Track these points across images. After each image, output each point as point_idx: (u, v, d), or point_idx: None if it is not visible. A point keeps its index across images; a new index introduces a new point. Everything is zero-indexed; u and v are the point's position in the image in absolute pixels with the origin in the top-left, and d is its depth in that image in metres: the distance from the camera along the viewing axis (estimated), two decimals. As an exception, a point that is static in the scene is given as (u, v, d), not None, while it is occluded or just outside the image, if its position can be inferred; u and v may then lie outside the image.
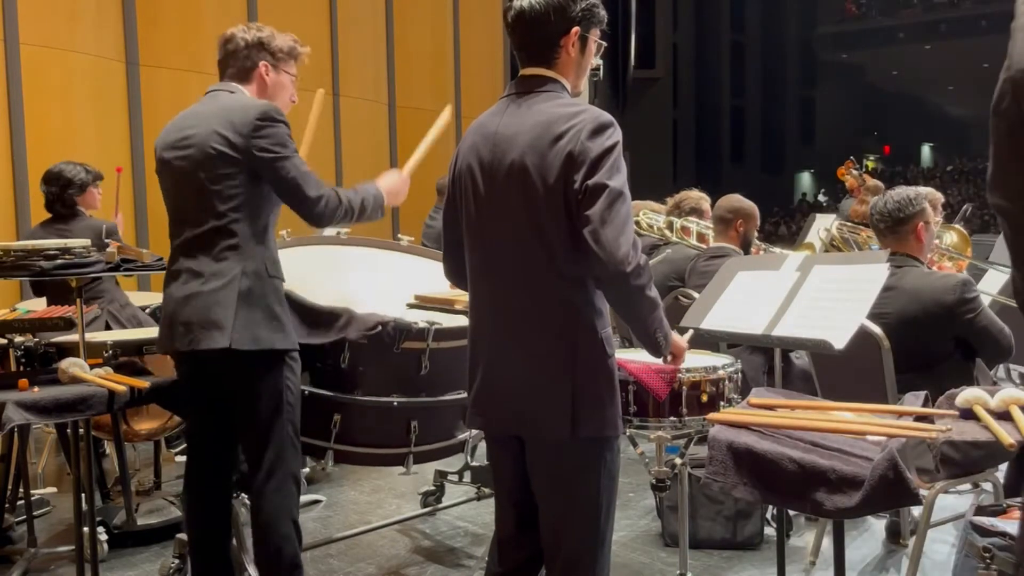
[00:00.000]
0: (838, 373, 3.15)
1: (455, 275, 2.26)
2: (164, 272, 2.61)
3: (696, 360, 2.50)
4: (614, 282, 1.89)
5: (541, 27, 1.99)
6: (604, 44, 2.12)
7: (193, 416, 2.64)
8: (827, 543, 3.11)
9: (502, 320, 2.02)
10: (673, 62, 28.95)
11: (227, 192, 2.43)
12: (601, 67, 2.35)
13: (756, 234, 4.34)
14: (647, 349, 2.05)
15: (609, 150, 1.89)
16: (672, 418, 2.38)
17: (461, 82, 10.83)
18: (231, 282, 2.40)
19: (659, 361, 2.14)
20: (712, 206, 4.69)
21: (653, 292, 1.94)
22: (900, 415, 1.95)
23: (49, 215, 4.28)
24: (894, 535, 3.42)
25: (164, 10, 7.32)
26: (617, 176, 1.88)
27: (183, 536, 3.06)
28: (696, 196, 5.25)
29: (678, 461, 2.63)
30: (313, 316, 2.78)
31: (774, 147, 36.44)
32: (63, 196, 4.21)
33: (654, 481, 2.60)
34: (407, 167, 2.87)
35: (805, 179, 38.79)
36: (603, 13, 2.07)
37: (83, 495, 2.87)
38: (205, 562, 2.58)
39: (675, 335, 2.11)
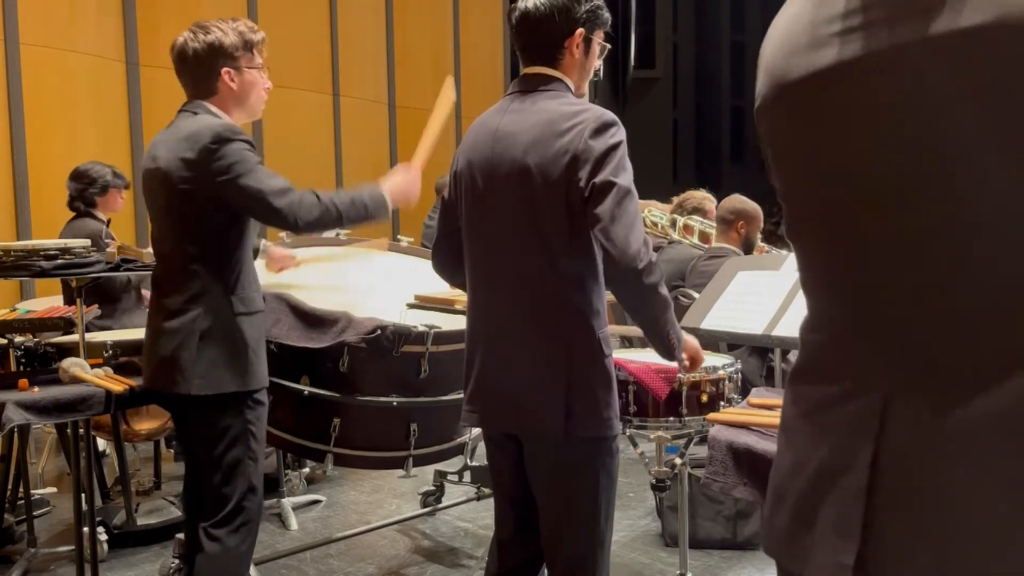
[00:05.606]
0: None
1: (443, 267, 2.27)
2: None
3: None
4: (626, 280, 1.87)
5: (546, 28, 1.99)
6: (608, 46, 2.12)
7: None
8: (827, 543, 3.10)
9: (499, 317, 2.02)
10: (673, 62, 28.93)
11: (190, 226, 2.33)
12: (601, 68, 2.34)
13: (759, 235, 4.33)
14: (660, 352, 1.99)
15: (613, 148, 1.88)
16: (672, 418, 2.38)
17: (461, 82, 10.82)
18: (194, 321, 2.30)
19: (660, 361, 2.13)
20: (716, 206, 4.68)
21: (665, 291, 1.92)
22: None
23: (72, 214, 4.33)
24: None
25: (164, 10, 7.32)
26: (624, 174, 1.88)
27: (183, 536, 3.06)
28: (700, 196, 5.24)
29: (678, 461, 2.63)
30: (311, 320, 2.78)
31: (774, 147, 36.42)
32: (83, 194, 4.25)
33: (654, 481, 2.60)
34: (417, 158, 2.62)
35: (805, 179, 38.78)
36: (607, 15, 2.07)
37: (83, 495, 2.87)
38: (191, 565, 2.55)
39: (688, 336, 2.07)
